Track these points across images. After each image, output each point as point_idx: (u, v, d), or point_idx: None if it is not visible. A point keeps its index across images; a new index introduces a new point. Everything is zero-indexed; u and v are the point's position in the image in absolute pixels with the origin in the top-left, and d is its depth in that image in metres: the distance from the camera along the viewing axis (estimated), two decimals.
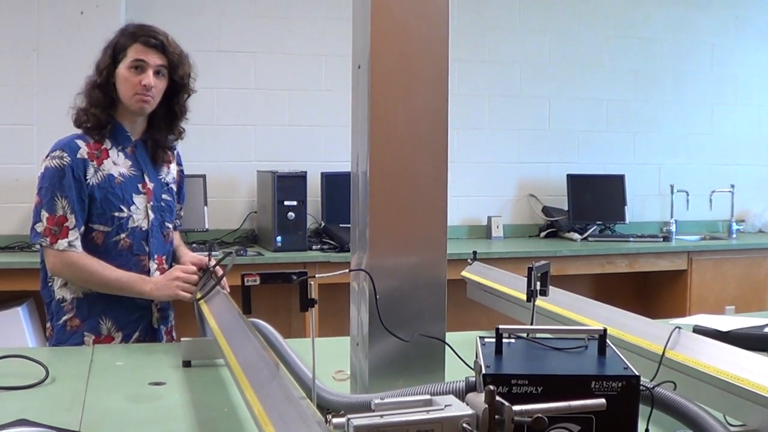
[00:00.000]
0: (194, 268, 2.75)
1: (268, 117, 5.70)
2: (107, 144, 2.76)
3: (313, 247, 5.24)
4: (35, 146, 5.00)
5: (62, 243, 2.65)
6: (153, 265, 2.79)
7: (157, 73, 2.74)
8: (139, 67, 2.72)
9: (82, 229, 2.69)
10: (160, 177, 2.89)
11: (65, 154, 2.68)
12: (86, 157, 2.71)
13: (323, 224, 5.56)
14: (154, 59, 2.73)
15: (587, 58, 6.49)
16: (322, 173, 5.62)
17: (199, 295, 2.59)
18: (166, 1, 5.48)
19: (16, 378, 2.11)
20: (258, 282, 1.64)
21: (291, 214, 5.09)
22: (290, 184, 5.13)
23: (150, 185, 2.82)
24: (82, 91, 2.80)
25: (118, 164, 2.76)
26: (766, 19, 6.96)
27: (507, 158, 6.34)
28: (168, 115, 2.87)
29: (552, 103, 6.44)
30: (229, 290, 2.69)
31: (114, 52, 2.75)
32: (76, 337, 2.72)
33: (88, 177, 2.69)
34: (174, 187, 2.96)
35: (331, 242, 5.31)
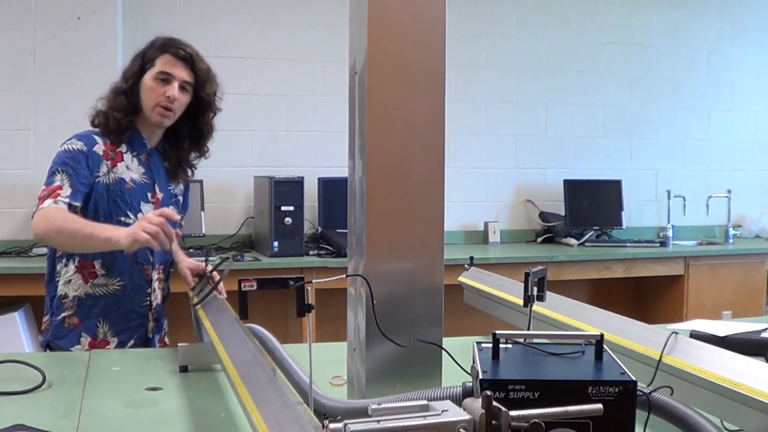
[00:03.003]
0: (160, 218, 2.44)
1: (265, 123, 5.70)
2: (123, 148, 2.76)
3: (310, 252, 5.25)
4: (32, 151, 5.01)
5: (48, 202, 2.60)
6: (155, 275, 2.79)
7: (182, 88, 2.75)
8: (165, 79, 2.72)
9: (78, 204, 2.63)
10: (170, 188, 2.90)
11: (82, 144, 2.69)
12: (101, 154, 2.71)
13: (320, 229, 5.56)
14: (181, 73, 2.74)
15: (584, 64, 6.50)
16: (319, 179, 5.62)
17: (195, 301, 2.59)
18: (162, 7, 5.48)
19: (12, 383, 2.10)
20: (255, 287, 1.64)
21: (288, 220, 5.09)
22: (287, 190, 5.13)
23: (159, 195, 2.83)
24: (104, 95, 2.80)
25: (131, 170, 2.76)
26: (763, 25, 6.98)
27: (504, 164, 6.35)
28: (194, 133, 2.87)
29: (549, 108, 6.45)
30: (225, 296, 2.68)
31: (143, 62, 2.76)
32: (73, 336, 2.71)
33: (100, 174, 2.70)
34: (181, 198, 2.97)
35: (328, 247, 5.31)
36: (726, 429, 1.60)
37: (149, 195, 2.79)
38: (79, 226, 2.54)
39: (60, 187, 2.62)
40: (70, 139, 2.72)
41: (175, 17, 5.49)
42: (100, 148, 2.71)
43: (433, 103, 1.82)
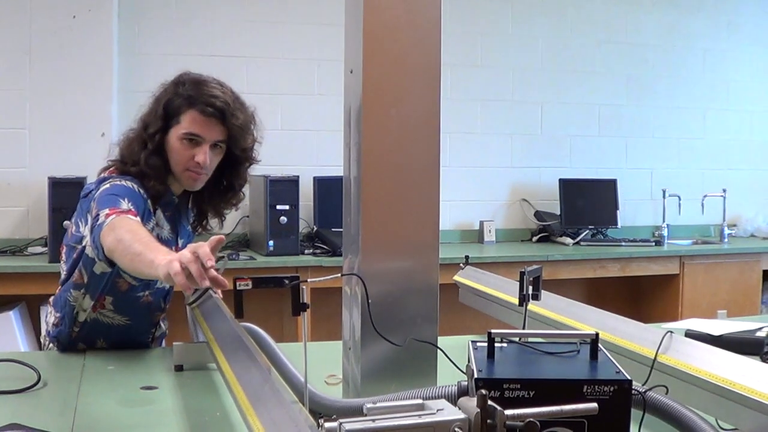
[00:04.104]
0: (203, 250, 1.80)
1: (261, 122, 5.68)
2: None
3: (306, 251, 5.25)
4: (27, 150, 5.00)
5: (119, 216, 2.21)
6: (163, 315, 2.73)
7: (213, 146, 2.45)
8: (192, 140, 2.42)
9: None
10: (188, 228, 2.75)
11: (143, 195, 2.42)
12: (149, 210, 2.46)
13: (315, 228, 5.56)
14: (212, 134, 2.42)
15: (579, 63, 6.50)
16: (314, 177, 5.62)
17: (191, 300, 2.58)
18: (158, 6, 5.47)
19: (7, 382, 2.10)
20: (250, 286, 1.64)
21: (283, 219, 5.08)
22: (283, 189, 5.13)
23: (180, 243, 2.64)
24: (123, 142, 2.51)
25: (161, 227, 2.55)
26: (758, 24, 6.99)
27: (499, 163, 6.35)
28: (221, 188, 2.62)
29: (544, 107, 6.45)
30: (221, 295, 2.67)
31: (166, 114, 2.43)
32: (73, 342, 2.65)
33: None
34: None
35: (324, 246, 5.31)
36: (721, 428, 1.60)
37: (173, 249, 2.51)
38: (133, 241, 2.06)
39: (135, 214, 2.27)
40: (132, 181, 2.41)
41: (170, 16, 5.48)
42: (149, 204, 2.46)
43: (428, 101, 1.82)
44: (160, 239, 2.45)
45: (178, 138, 2.43)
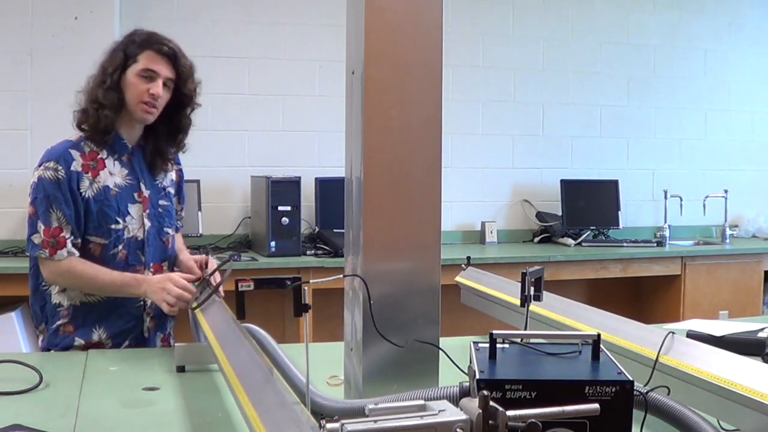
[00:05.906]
0: (189, 285, 2.66)
1: (262, 122, 5.70)
2: (103, 153, 2.72)
3: (307, 252, 5.25)
4: (29, 151, 4.99)
5: (61, 253, 2.62)
6: (149, 275, 2.76)
7: (164, 84, 2.71)
8: (149, 76, 2.69)
9: (79, 241, 2.66)
10: (157, 182, 2.86)
11: (60, 167, 2.64)
12: (80, 169, 2.67)
13: (317, 229, 5.56)
14: (165, 71, 2.71)
15: (581, 64, 6.50)
16: (316, 179, 5.62)
17: (194, 304, 2.57)
18: (160, 7, 5.48)
19: (9, 383, 2.10)
20: (252, 287, 1.65)
21: (285, 220, 5.09)
22: (284, 190, 5.13)
23: (146, 193, 2.79)
24: (84, 90, 2.76)
25: (114, 174, 2.72)
26: (759, 25, 6.99)
27: (501, 164, 6.35)
28: (171, 128, 2.84)
29: (546, 108, 6.45)
30: (223, 296, 2.67)
31: (125, 56, 2.72)
32: (68, 341, 2.69)
33: (82, 190, 2.65)
34: (172, 190, 2.93)
35: (325, 247, 5.31)
36: (723, 429, 1.60)
37: (135, 195, 2.76)
38: (101, 286, 2.68)
39: (60, 230, 2.63)
40: (47, 161, 2.67)
41: (172, 17, 5.48)
42: (78, 163, 2.67)
43: (430, 102, 1.82)
44: (118, 187, 2.73)
45: (135, 74, 2.70)
